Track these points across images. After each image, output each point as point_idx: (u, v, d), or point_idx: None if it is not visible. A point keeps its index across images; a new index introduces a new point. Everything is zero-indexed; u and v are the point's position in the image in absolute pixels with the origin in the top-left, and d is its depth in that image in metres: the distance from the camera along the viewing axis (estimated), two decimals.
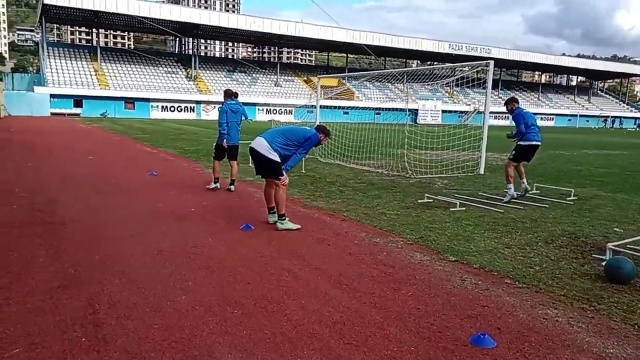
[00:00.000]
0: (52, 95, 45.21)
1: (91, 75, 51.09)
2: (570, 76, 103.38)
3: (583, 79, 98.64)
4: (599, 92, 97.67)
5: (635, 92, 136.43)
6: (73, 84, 48.24)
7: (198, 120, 49.06)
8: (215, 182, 8.30)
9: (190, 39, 66.33)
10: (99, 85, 49.80)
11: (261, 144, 5.45)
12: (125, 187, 8.30)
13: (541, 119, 76.45)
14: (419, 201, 7.22)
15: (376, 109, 60.74)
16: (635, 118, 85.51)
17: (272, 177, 5.55)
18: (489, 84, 10.69)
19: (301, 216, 6.15)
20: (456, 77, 11.21)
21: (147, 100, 50.45)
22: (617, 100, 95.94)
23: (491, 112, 71.26)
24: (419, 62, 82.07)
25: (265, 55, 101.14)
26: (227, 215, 6.21)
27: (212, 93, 55.02)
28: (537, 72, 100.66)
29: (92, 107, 47.26)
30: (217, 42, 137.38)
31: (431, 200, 7.24)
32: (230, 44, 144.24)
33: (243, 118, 8.49)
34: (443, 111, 67.51)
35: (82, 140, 18.51)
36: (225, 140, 8.21)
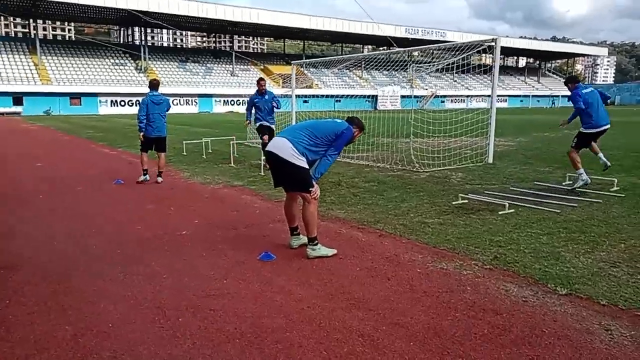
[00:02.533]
0: None
1: (31, 69, 47.24)
2: (520, 58, 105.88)
3: (531, 60, 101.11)
4: (546, 72, 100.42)
5: (579, 71, 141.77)
6: (11, 80, 44.41)
7: None
8: (144, 175, 8.22)
9: (137, 28, 62.84)
10: (41, 80, 46.09)
11: (284, 146, 4.10)
12: (89, 203, 6.72)
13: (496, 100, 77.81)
14: (454, 203, 6.07)
15: (335, 96, 59.86)
16: None
17: (298, 190, 4.22)
18: (496, 64, 9.66)
19: (323, 232, 4.86)
20: (457, 58, 10.07)
21: (95, 95, 47.24)
22: (564, 80, 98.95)
23: (447, 96, 72.08)
24: (375, 47, 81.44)
25: (217, 44, 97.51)
26: (232, 239, 4.83)
27: (165, 85, 52.10)
28: (486, 55, 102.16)
29: (34, 105, 43.71)
30: (165, 31, 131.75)
31: (466, 201, 6.11)
32: (179, 33, 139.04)
33: (167, 109, 8.40)
34: (402, 96, 67.25)
35: (26, 143, 16.35)
36: (142, 133, 8.14)
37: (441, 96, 71.31)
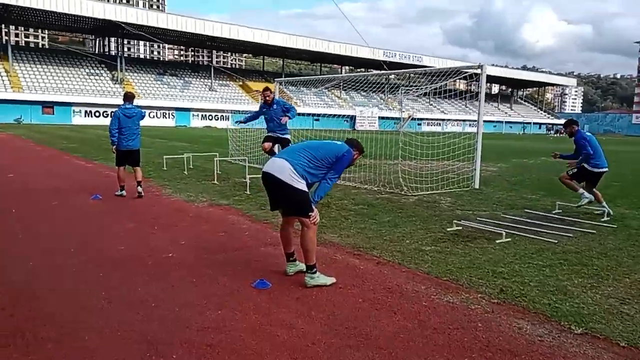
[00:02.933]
0: None
1: (1, 76, 45.85)
2: (493, 85, 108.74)
3: (504, 87, 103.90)
4: (518, 99, 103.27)
5: (549, 100, 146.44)
6: None
7: None
8: (121, 190, 8.04)
9: (114, 39, 62.01)
10: (12, 87, 44.75)
11: (282, 168, 3.88)
12: (66, 219, 6.33)
13: (469, 125, 79.48)
14: (449, 230, 5.94)
15: (314, 115, 60.00)
16: (552, 124, 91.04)
17: (297, 214, 3.99)
18: (483, 90, 9.73)
19: (318, 257, 4.61)
20: (442, 83, 10.10)
21: (69, 104, 46.09)
22: (535, 108, 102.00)
23: (424, 119, 73.20)
24: (352, 68, 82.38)
25: (195, 58, 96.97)
26: (222, 263, 4.56)
27: (141, 97, 51.32)
28: (460, 81, 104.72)
29: (4, 112, 42.31)
30: (142, 43, 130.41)
31: (460, 228, 5.99)
32: (156, 45, 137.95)
33: (140, 122, 8.32)
34: (380, 117, 67.97)
35: None
36: (114, 146, 8.12)
37: (418, 119, 72.35)
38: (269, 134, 9.44)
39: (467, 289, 3.98)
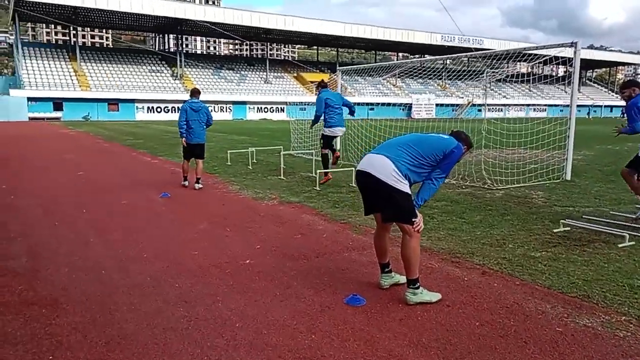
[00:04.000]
0: (29, 99, 42.39)
1: (71, 76, 48.19)
2: (559, 66, 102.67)
3: (571, 68, 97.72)
4: (587, 81, 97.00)
5: (620, 80, 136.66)
6: (52, 85, 45.36)
7: None
8: (184, 180, 8.50)
9: (173, 36, 63.65)
10: (80, 86, 46.94)
11: (383, 166, 3.33)
12: (137, 220, 6.11)
13: (534, 110, 75.56)
14: (556, 231, 5.19)
15: (370, 104, 58.94)
16: (623, 106, 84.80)
17: (399, 220, 3.43)
18: (576, 70, 8.73)
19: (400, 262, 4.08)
20: (534, 63, 9.15)
21: (132, 101, 47.77)
22: (606, 89, 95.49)
23: (484, 104, 70.35)
24: (409, 54, 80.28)
25: (250, 51, 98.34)
26: (305, 273, 4.09)
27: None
28: (521, 63, 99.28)
29: (73, 110, 44.47)
30: (199, 39, 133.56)
31: (569, 229, 5.22)
32: (212, 40, 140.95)
33: (207, 118, 8.53)
34: (436, 105, 65.91)
35: (67, 149, 16.13)
36: (184, 139, 8.36)
37: (478, 105, 69.59)
38: (334, 129, 8.43)
39: (603, 308, 3.29)
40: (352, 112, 8.72)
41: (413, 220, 3.34)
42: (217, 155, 12.91)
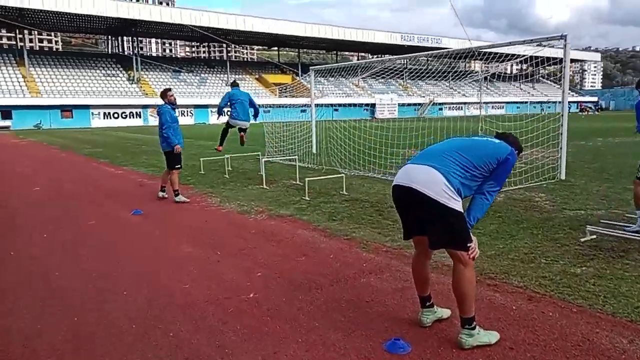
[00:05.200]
0: None
1: (19, 82, 45.48)
2: (512, 63, 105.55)
3: (524, 67, 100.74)
4: (540, 78, 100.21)
5: (572, 77, 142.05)
6: None
7: (146, 126, 44.70)
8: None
9: (127, 38, 61.46)
10: (30, 92, 44.34)
11: (431, 180, 2.73)
12: (110, 245, 5.29)
13: (491, 107, 77.27)
14: (583, 240, 4.75)
15: (334, 105, 58.52)
16: (577, 102, 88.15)
17: (451, 246, 2.83)
18: (567, 64, 8.44)
19: (442, 291, 3.53)
20: (524, 60, 8.80)
21: (87, 107, 45.51)
22: (559, 86, 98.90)
23: (445, 103, 71.42)
24: (370, 55, 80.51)
25: (209, 53, 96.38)
26: (324, 308, 3.45)
27: (158, 96, 50.67)
28: (475, 61, 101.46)
29: (24, 118, 41.94)
30: (153, 41, 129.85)
31: (594, 237, 4.80)
32: (168, 43, 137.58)
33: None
34: (399, 104, 66.31)
35: (19, 161, 14.82)
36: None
37: (439, 104, 70.57)
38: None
39: None
40: (256, 114, 11.04)
41: (468, 245, 2.77)
42: (188, 163, 12.02)
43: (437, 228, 2.78)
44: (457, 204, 2.73)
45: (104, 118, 46.42)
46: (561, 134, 8.34)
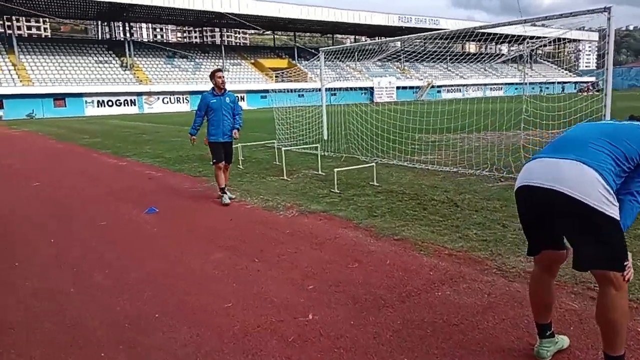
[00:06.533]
0: None
1: (9, 70, 44.21)
2: (508, 44, 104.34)
3: (521, 47, 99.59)
4: (538, 59, 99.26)
5: (568, 56, 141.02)
6: None
7: (142, 114, 43.73)
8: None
9: (118, 24, 59.94)
10: (21, 81, 43.14)
11: (583, 180, 2.09)
12: (123, 250, 4.64)
13: (490, 89, 76.51)
14: None
15: (331, 89, 57.56)
16: (577, 82, 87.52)
17: (605, 264, 2.15)
18: (611, 39, 7.77)
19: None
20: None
21: (80, 95, 44.39)
22: (556, 67, 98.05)
23: (443, 86, 70.56)
24: (367, 37, 79.21)
25: (202, 38, 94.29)
26: (405, 333, 2.83)
27: (153, 82, 49.62)
28: (470, 42, 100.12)
29: (15, 108, 40.83)
30: (144, 27, 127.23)
31: None
32: (159, 28, 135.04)
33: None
34: (397, 87, 65.41)
35: (14, 153, 14.06)
36: None
37: (437, 86, 69.72)
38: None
39: None
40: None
41: (625, 263, 2.14)
42: (195, 154, 11.34)
43: (591, 242, 2.13)
44: (615, 210, 2.09)
45: (98, 106, 45.36)
46: (604, 115, 7.70)
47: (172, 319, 3.14)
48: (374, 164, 7.42)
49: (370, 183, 7.08)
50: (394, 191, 6.55)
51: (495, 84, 77.74)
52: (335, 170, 6.94)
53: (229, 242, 4.75)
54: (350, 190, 6.70)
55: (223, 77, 6.64)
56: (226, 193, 6.45)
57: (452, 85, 72.41)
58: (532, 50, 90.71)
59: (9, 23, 48.37)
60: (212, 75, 6.61)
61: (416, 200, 5.96)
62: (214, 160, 6.56)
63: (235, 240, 4.78)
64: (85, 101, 44.78)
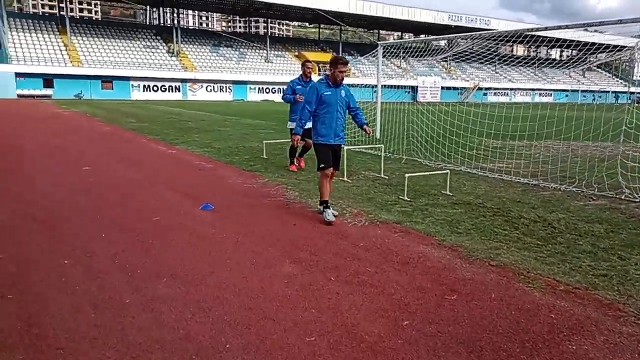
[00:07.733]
0: (17, 74, 39.64)
1: (61, 50, 45.36)
2: (561, 49, 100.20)
3: (574, 53, 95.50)
4: (591, 67, 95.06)
5: (624, 65, 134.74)
6: (41, 60, 42.57)
7: (185, 101, 44.05)
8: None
9: (167, 10, 60.69)
10: (71, 62, 44.18)
11: None
12: (181, 254, 4.15)
13: (539, 95, 73.74)
14: None
15: (374, 86, 56.57)
16: (633, 93, 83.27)
17: None
18: None
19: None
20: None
21: (127, 79, 45.13)
22: (611, 75, 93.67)
23: (490, 88, 68.42)
24: (413, 34, 77.58)
25: (247, 28, 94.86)
26: None
27: (197, 70, 49.98)
28: (518, 45, 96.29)
29: (65, 88, 41.83)
30: (190, 14, 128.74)
31: None
32: (204, 17, 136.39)
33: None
34: (442, 88, 63.81)
35: (63, 133, 14.00)
36: None
37: (484, 89, 67.67)
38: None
39: None
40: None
41: None
42: (245, 145, 10.90)
43: None
44: None
45: (144, 90, 46.00)
46: None
47: (244, 351, 2.60)
48: (448, 171, 6.73)
49: (443, 192, 6.41)
50: (472, 203, 5.86)
51: (544, 89, 74.85)
52: (407, 175, 6.30)
53: (296, 252, 4.21)
54: (422, 199, 6.05)
55: (343, 70, 5.26)
56: (329, 208, 5.25)
57: (499, 89, 70.15)
58: (592, 57, 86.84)
59: (62, 4, 49.52)
60: (335, 64, 5.22)
61: (502, 217, 5.27)
62: (322, 166, 5.28)
63: (303, 251, 4.23)
64: (132, 85, 45.47)
